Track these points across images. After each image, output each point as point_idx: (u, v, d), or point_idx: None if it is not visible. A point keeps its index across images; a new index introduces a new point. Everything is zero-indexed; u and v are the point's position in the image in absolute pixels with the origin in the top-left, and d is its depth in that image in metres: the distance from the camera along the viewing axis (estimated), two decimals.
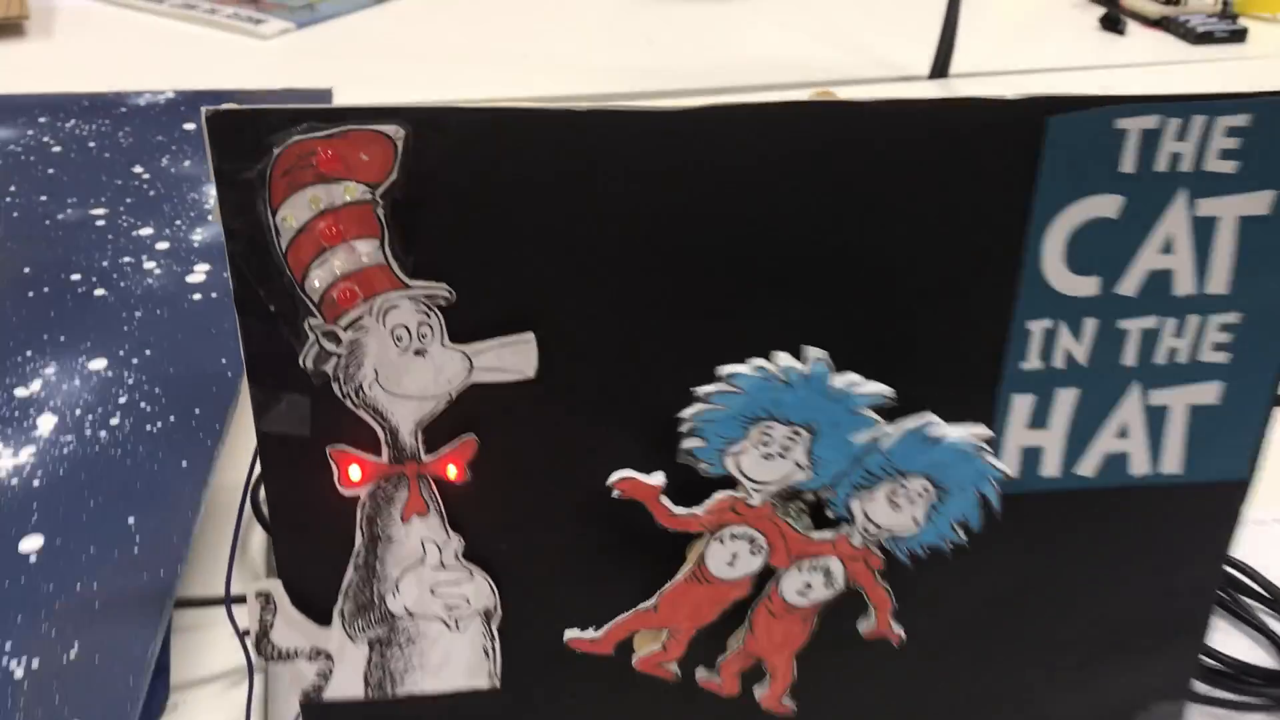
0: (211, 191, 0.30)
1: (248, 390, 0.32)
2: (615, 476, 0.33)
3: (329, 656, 0.36)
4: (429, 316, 0.32)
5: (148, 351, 0.45)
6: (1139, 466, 0.36)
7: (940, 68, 1.03)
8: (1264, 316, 0.34)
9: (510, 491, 0.34)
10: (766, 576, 0.35)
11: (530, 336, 0.32)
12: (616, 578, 0.36)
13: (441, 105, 0.29)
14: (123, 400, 0.42)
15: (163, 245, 0.52)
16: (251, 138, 0.29)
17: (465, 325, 0.32)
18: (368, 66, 1.03)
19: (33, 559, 0.35)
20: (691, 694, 0.38)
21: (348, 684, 0.37)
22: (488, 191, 0.30)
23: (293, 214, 0.30)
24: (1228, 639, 0.47)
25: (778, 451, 0.33)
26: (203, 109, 0.29)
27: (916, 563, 0.35)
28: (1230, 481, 0.37)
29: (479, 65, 1.06)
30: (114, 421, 0.41)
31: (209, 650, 0.43)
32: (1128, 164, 0.32)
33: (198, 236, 0.53)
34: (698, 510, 0.34)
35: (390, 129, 0.29)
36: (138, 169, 0.58)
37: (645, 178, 0.31)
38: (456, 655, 0.37)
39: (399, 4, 1.25)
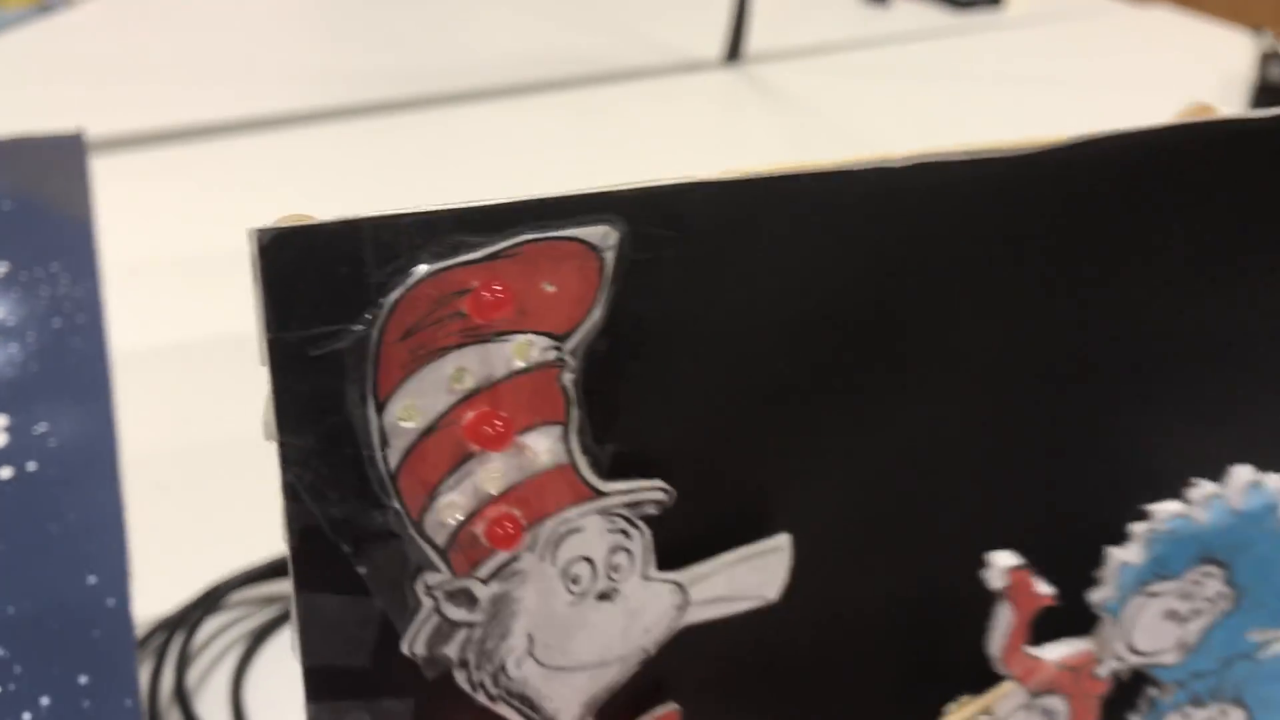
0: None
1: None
2: (1008, 560, 0.21)
3: None
4: (629, 536, 0.18)
5: None
6: None
7: (733, 51, 0.95)
8: None
9: None
10: None
11: (784, 542, 0.20)
12: None
13: (676, 182, 0.16)
14: None
15: None
16: (349, 275, 0.15)
17: (679, 539, 0.19)
18: (48, 93, 0.83)
19: None
20: None
21: None
22: (754, 317, 0.18)
23: (417, 404, 0.16)
24: None
25: (1188, 610, 0.22)
26: (252, 229, 0.14)
27: None
28: None
29: (200, 81, 0.88)
30: None
31: None
32: None
33: None
34: (1052, 658, 0.22)
35: (595, 233, 0.16)
36: None
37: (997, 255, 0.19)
38: None
39: (71, 16, 1.03)
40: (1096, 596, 0.22)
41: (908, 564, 0.21)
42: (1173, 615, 0.22)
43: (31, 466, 0.32)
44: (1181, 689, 0.23)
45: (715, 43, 0.94)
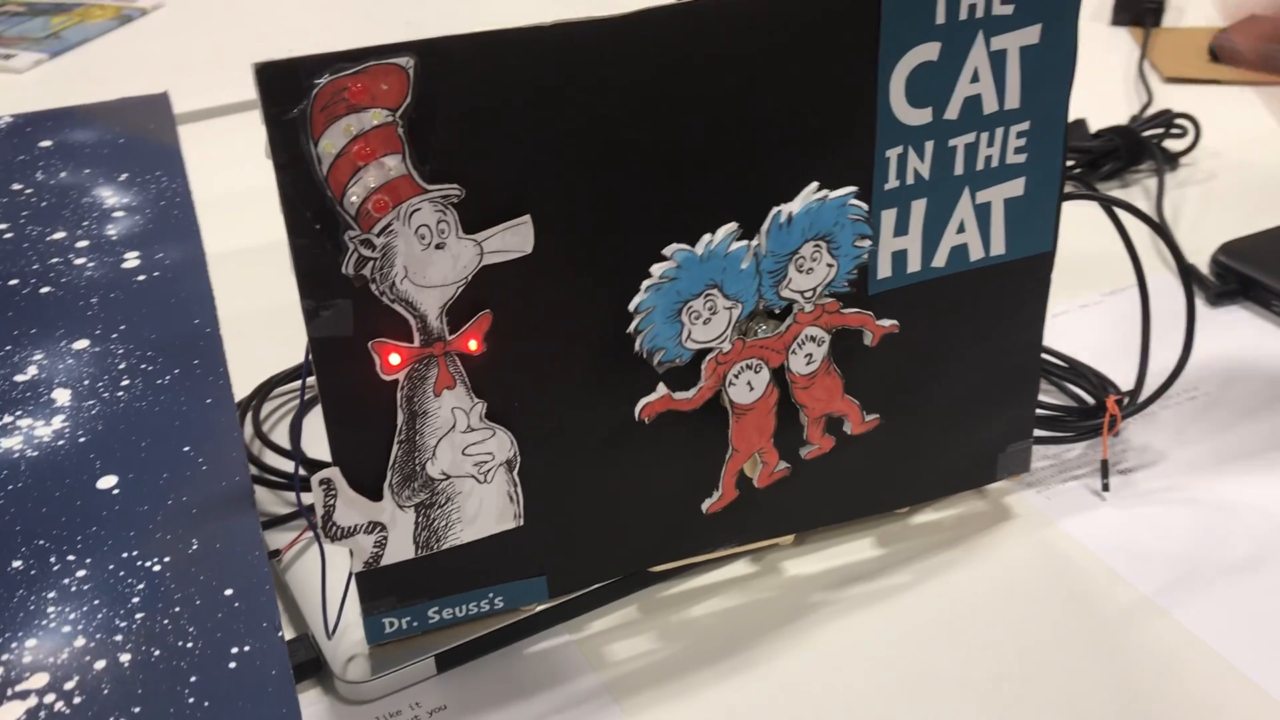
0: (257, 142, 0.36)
1: (225, 335, 0.39)
2: (638, 409, 0.43)
3: (383, 527, 0.43)
4: (445, 214, 0.39)
5: (122, 327, 0.49)
6: (975, 253, 0.47)
7: None
8: (1046, 121, 0.46)
9: (520, 354, 0.42)
10: (781, 375, 0.45)
11: (527, 218, 0.40)
12: (613, 410, 0.44)
13: (441, 36, 0.37)
14: (123, 366, 0.47)
15: (83, 244, 0.56)
16: (293, 83, 0.36)
17: (474, 217, 0.39)
18: (137, 83, 1.05)
19: (115, 492, 0.40)
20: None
21: (400, 548, 0.44)
22: (481, 100, 0.38)
23: (331, 142, 0.37)
24: (1043, 397, 0.59)
25: (708, 315, 0.42)
26: (252, 63, 0.35)
27: (856, 286, 0.45)
28: (1041, 254, 0.49)
29: (245, 68, 1.10)
30: (125, 383, 0.46)
31: None
32: (940, 16, 0.42)
33: (112, 231, 0.57)
34: (701, 385, 0.43)
35: (403, 60, 0.36)
36: (16, 186, 0.61)
37: (598, 72, 0.39)
38: (488, 504, 0.44)
39: (144, 22, 1.25)
40: (660, 369, 0.43)
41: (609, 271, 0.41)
42: (706, 322, 0.43)
43: (156, 273, 0.53)
44: (764, 294, 0.43)
45: None
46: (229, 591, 0.36)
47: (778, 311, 0.44)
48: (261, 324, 0.59)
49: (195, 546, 0.38)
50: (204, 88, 1.01)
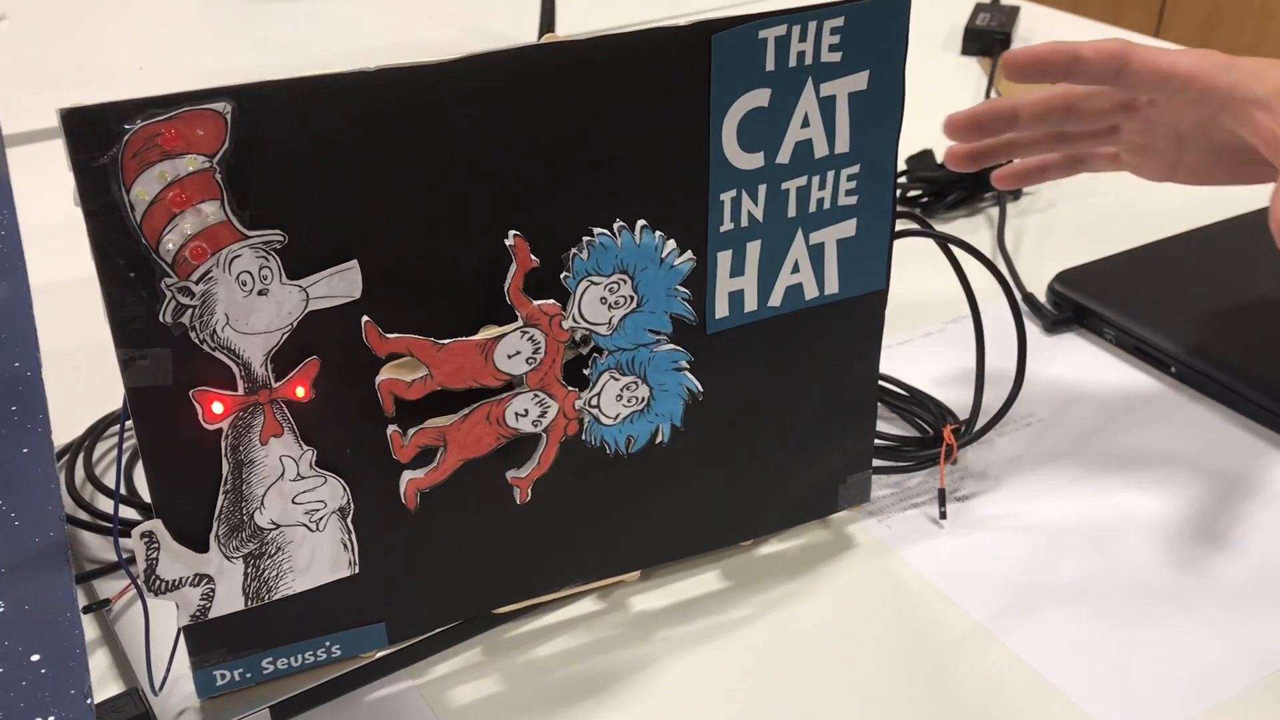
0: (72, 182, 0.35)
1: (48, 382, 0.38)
2: (509, 238, 0.41)
3: (210, 579, 0.42)
4: (268, 260, 0.38)
5: None
6: (810, 292, 0.48)
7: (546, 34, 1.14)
8: (875, 164, 0.47)
9: (351, 400, 0.41)
10: (510, 388, 0.43)
11: (354, 263, 0.39)
12: None
13: (259, 81, 0.36)
14: None
15: None
16: (103, 129, 0.34)
17: (299, 263, 0.39)
18: None
19: None
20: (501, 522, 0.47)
21: (229, 600, 0.42)
22: (304, 146, 0.37)
23: (144, 189, 0.35)
24: (885, 426, 0.61)
25: (612, 301, 0.42)
26: (57, 108, 0.34)
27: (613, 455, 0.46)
28: (874, 292, 0.50)
29: (93, 85, 1.06)
30: None
31: None
32: (770, 64, 0.43)
33: None
34: (536, 301, 0.42)
35: (219, 105, 0.36)
36: None
37: (426, 117, 0.39)
38: (320, 553, 0.43)
39: None
40: (562, 275, 0.42)
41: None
42: (604, 300, 0.42)
43: None
44: (611, 355, 0.43)
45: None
46: (35, 657, 0.35)
47: (585, 374, 0.44)
48: (97, 358, 0.56)
49: (1, 610, 0.36)
50: (48, 105, 0.97)
